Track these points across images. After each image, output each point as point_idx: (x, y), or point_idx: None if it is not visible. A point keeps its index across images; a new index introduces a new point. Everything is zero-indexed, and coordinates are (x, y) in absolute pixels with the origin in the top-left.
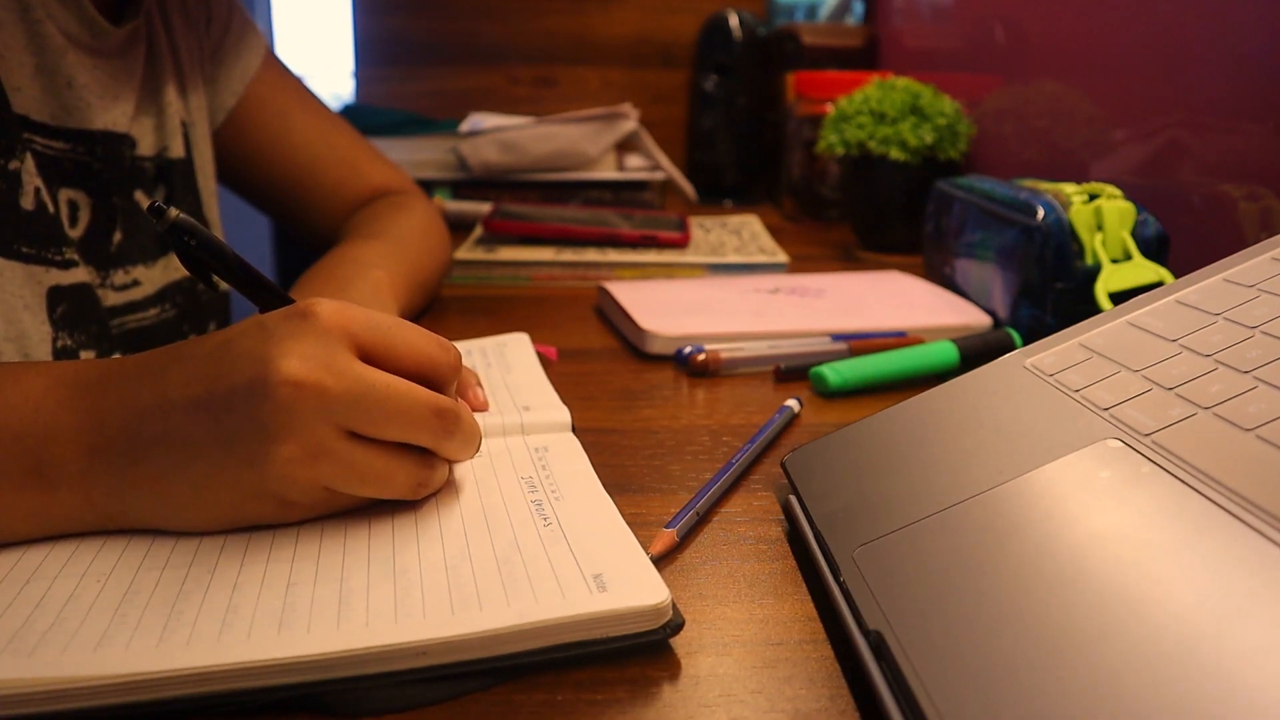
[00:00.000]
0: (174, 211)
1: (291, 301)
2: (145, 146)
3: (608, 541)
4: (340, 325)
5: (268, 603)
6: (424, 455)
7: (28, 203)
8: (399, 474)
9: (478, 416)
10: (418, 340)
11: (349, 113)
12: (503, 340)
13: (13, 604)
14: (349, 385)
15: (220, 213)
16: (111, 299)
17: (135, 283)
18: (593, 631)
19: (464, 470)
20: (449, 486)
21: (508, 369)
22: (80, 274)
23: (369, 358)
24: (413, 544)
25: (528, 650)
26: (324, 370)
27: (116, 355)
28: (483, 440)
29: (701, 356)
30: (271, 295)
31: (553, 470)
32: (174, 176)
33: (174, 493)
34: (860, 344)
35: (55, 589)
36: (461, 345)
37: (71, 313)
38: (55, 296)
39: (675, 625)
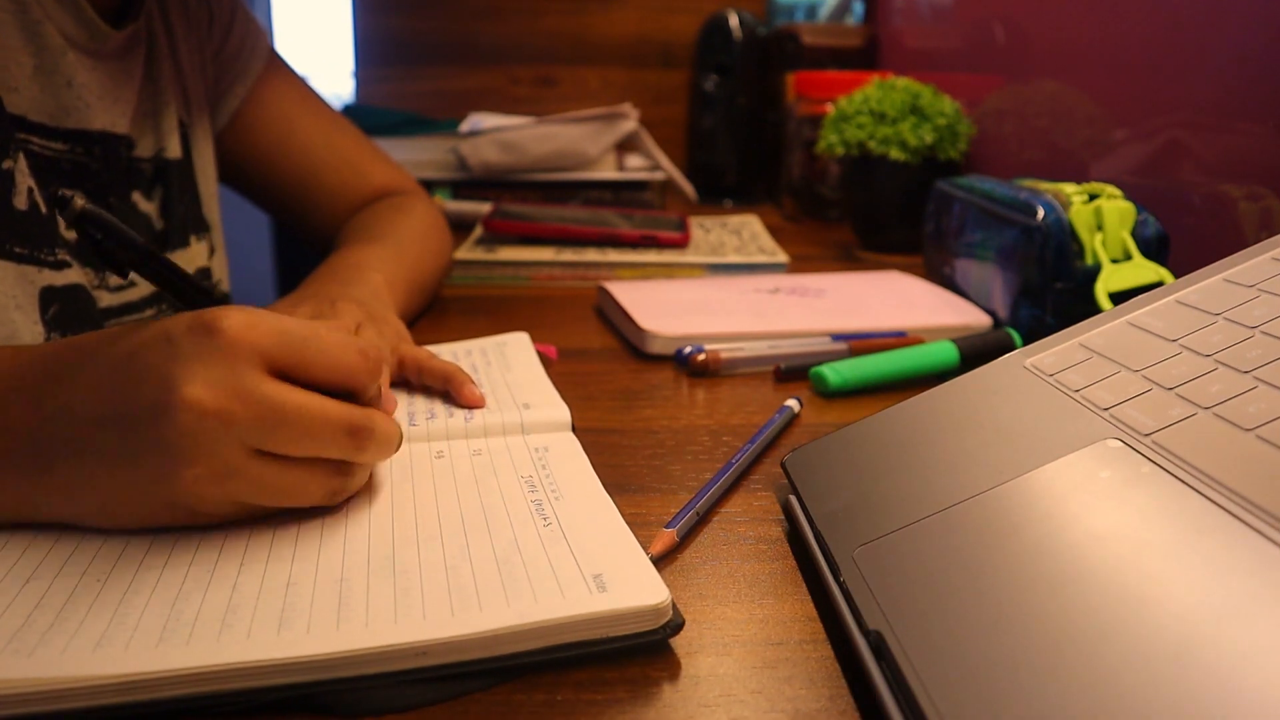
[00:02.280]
0: (80, 202)
1: (212, 297)
2: (144, 148)
3: (608, 541)
4: (249, 341)
5: (267, 603)
6: (339, 462)
7: (20, 202)
8: (312, 485)
9: (478, 414)
10: (334, 351)
11: (349, 113)
12: (503, 340)
13: (13, 604)
14: (255, 409)
15: (221, 213)
16: (107, 300)
17: (131, 283)
18: (593, 631)
19: (464, 470)
20: (448, 485)
21: (507, 368)
22: (74, 275)
23: (281, 372)
24: (412, 544)
25: (528, 650)
26: (229, 395)
27: (35, 343)
28: (484, 439)
29: (701, 356)
30: (189, 290)
31: (553, 470)
32: (171, 177)
33: (83, 500)
34: (860, 344)
35: (55, 588)
36: (461, 345)
37: (64, 313)
38: (48, 297)
39: (675, 625)
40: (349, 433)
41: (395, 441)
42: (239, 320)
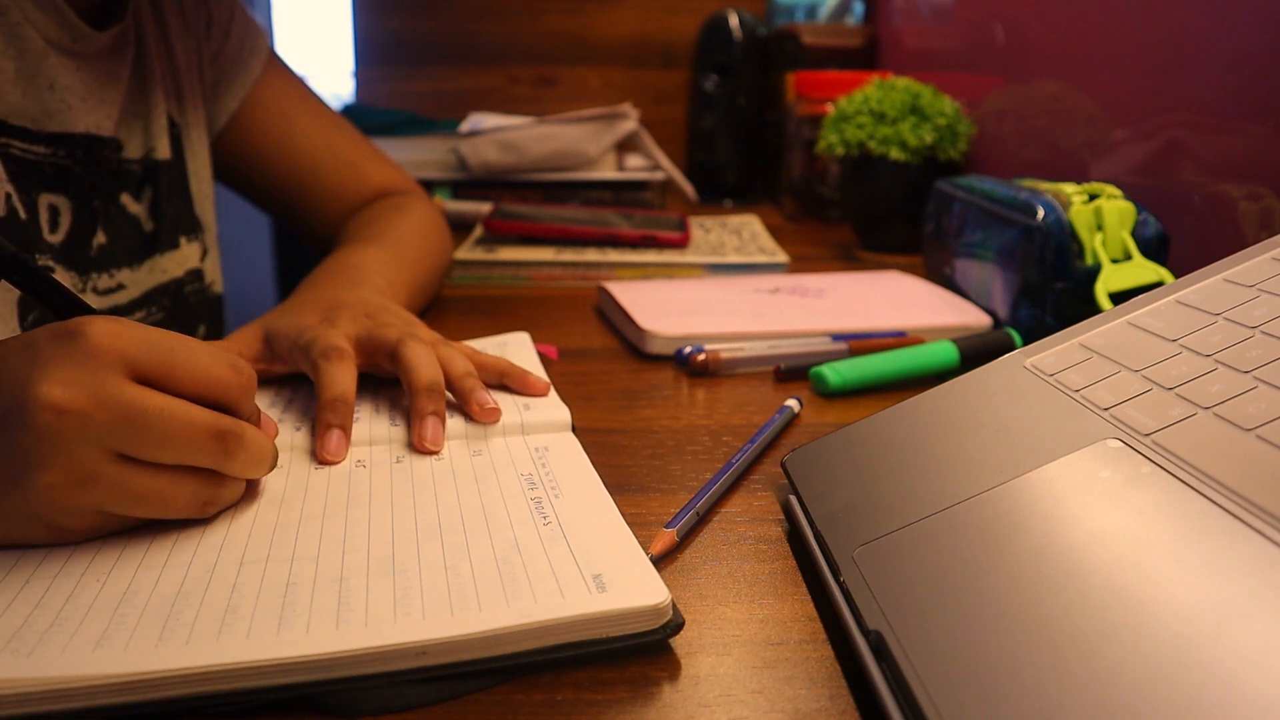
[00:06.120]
0: None
1: (88, 308)
2: (132, 149)
3: (607, 541)
4: (112, 347)
5: (267, 603)
6: (210, 472)
7: None
8: (179, 495)
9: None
10: (202, 361)
11: (349, 113)
12: (504, 340)
13: (13, 604)
14: (115, 411)
15: (220, 213)
16: (95, 303)
17: (120, 286)
18: (592, 631)
19: (464, 469)
20: (448, 485)
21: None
22: (57, 279)
23: (146, 380)
24: (412, 543)
25: (527, 650)
26: (87, 396)
27: None
28: (484, 440)
29: (701, 356)
30: (64, 302)
31: (553, 469)
32: (160, 178)
33: None
34: (860, 344)
35: (55, 588)
36: (464, 345)
37: (45, 320)
38: (27, 304)
39: (675, 625)
40: (215, 437)
41: (268, 457)
42: (103, 327)
